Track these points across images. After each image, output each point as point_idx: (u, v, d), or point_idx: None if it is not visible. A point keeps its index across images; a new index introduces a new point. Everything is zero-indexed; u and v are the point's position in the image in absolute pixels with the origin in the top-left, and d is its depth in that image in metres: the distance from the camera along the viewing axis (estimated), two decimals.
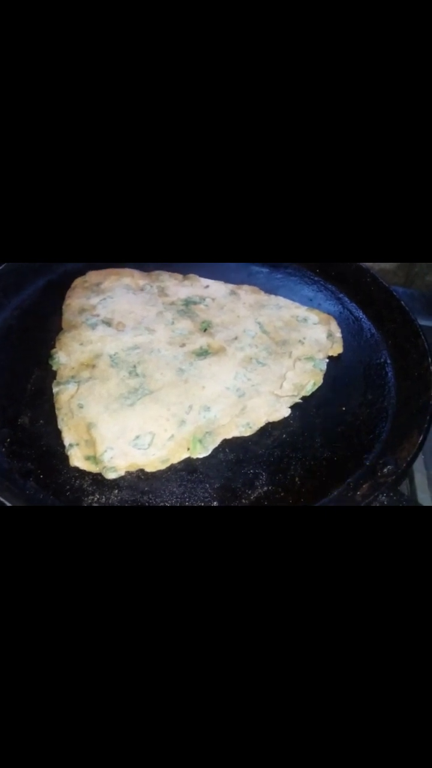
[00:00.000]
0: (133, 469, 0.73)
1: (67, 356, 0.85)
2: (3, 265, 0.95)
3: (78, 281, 0.99)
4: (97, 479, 0.72)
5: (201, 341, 0.89)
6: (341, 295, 1.02)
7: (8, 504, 0.63)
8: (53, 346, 0.87)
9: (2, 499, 0.64)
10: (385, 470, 0.72)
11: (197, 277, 1.03)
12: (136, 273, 1.02)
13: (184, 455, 0.76)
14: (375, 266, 1.01)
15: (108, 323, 0.91)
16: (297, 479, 0.74)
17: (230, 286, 1.01)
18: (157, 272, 1.03)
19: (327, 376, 0.87)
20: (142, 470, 0.73)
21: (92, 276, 1.00)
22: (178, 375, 0.83)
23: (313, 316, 0.96)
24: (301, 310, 0.97)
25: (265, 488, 0.73)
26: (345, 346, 0.92)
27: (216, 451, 0.77)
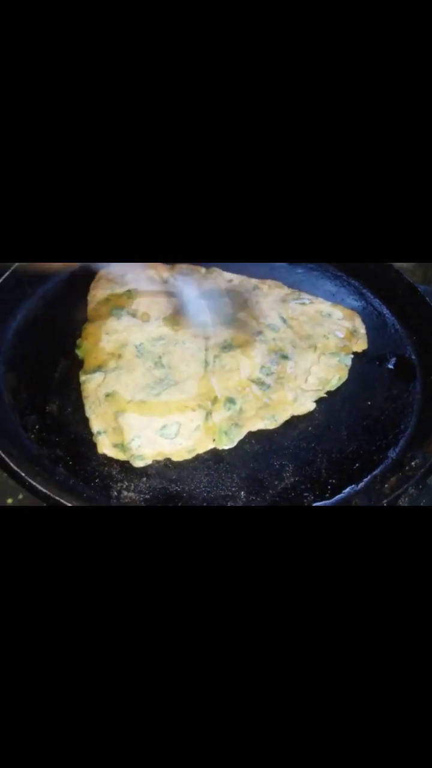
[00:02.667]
0: (160, 458, 0.73)
1: (93, 346, 0.86)
2: None
3: (102, 273, 1.00)
4: (125, 466, 0.72)
5: (225, 334, 0.89)
6: (364, 291, 1.02)
7: (41, 488, 0.64)
8: (79, 336, 0.88)
9: (35, 484, 0.64)
10: (413, 463, 0.72)
11: (220, 270, 1.03)
12: (159, 265, 1.02)
13: (210, 446, 0.76)
14: (393, 265, 1.01)
15: (133, 314, 0.91)
16: (323, 471, 0.74)
17: (253, 281, 1.01)
18: (179, 265, 1.03)
19: (352, 371, 0.87)
20: (169, 459, 0.74)
21: (116, 268, 1.01)
22: (203, 367, 0.83)
23: (338, 311, 0.96)
24: (326, 306, 0.97)
25: (292, 479, 0.73)
26: (369, 342, 0.92)
27: (242, 442, 0.77)
